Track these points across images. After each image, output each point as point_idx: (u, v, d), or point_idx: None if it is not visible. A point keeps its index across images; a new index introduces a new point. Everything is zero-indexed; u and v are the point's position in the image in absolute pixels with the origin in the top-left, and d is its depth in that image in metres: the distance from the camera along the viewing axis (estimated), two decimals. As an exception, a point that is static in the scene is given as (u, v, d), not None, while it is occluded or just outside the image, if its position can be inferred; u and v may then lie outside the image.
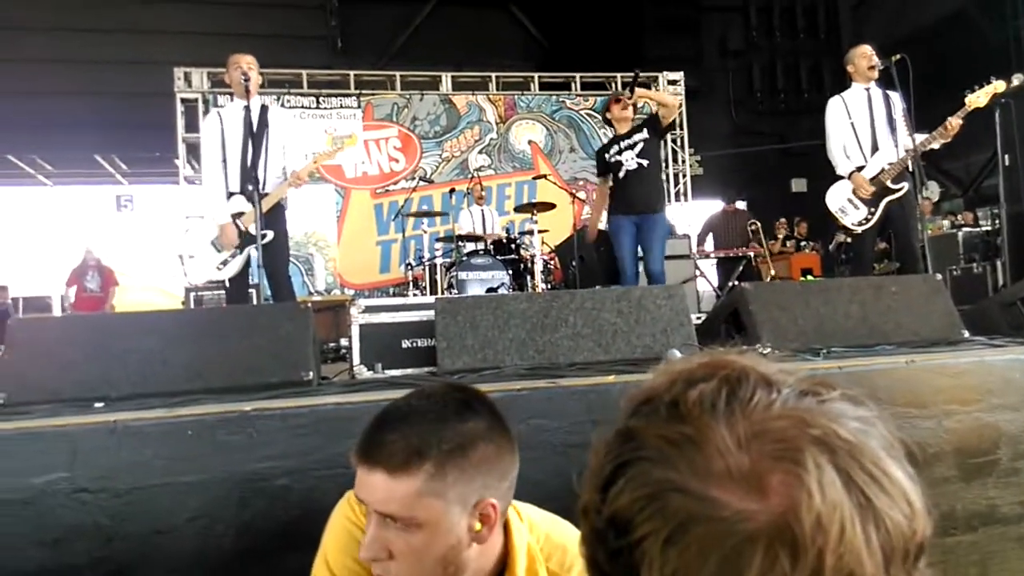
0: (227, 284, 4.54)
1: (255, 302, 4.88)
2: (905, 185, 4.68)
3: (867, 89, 4.85)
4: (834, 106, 4.95)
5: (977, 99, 4.51)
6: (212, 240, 4.49)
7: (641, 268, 5.28)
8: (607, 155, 5.41)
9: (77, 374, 2.31)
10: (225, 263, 4.47)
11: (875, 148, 4.77)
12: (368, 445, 1.13)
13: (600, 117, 10.23)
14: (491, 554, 1.19)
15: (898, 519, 0.48)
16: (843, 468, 0.48)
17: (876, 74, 4.80)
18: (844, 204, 4.83)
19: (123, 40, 11.84)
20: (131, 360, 2.34)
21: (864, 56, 4.84)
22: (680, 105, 10.69)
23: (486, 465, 1.13)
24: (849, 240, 7.55)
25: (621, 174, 5.27)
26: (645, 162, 5.23)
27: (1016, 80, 4.71)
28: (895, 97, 4.76)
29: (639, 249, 5.26)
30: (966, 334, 3.08)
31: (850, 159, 4.84)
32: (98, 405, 2.16)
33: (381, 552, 1.10)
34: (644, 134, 5.27)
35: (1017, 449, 2.51)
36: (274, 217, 4.47)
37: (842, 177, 4.87)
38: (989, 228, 7.51)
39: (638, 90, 5.20)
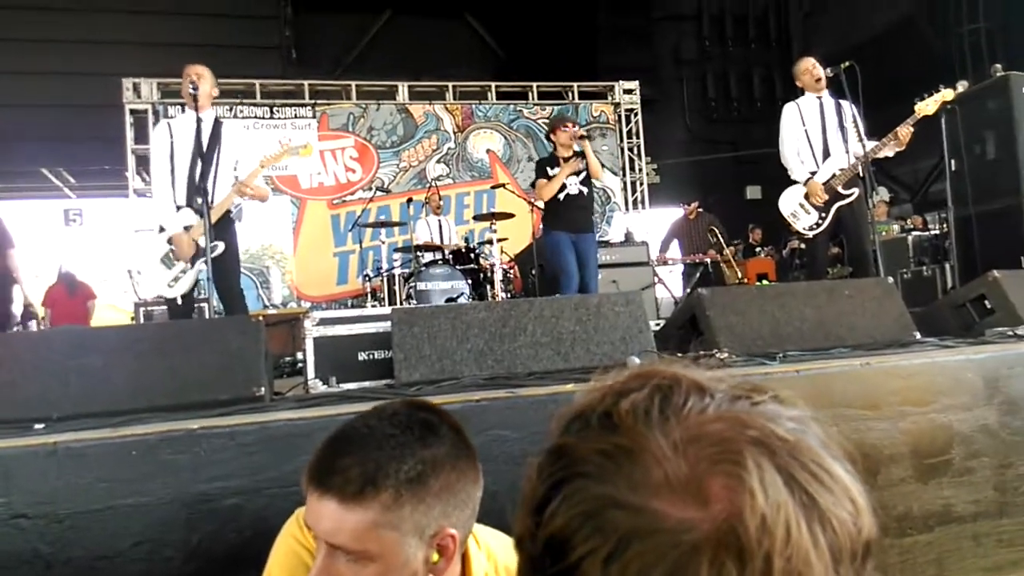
0: (178, 301, 4.35)
1: (207, 316, 4.74)
2: (856, 191, 4.76)
3: (819, 97, 4.93)
4: (789, 112, 5.03)
5: (926, 107, 4.62)
6: (161, 257, 4.32)
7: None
8: (550, 171, 5.58)
9: (14, 394, 2.21)
10: (176, 279, 4.30)
11: (827, 154, 4.86)
12: (320, 470, 1.05)
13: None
14: None
15: (843, 517, 0.47)
16: (784, 467, 0.47)
17: (823, 85, 4.89)
18: (796, 209, 4.90)
19: (69, 50, 11.50)
20: (72, 379, 2.25)
21: (807, 71, 4.95)
22: (637, 115, 10.83)
23: (447, 493, 1.07)
24: (803, 246, 7.67)
25: (562, 196, 5.51)
26: (586, 190, 5.59)
27: (961, 87, 4.83)
28: (846, 105, 4.86)
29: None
30: (918, 335, 3.13)
31: (803, 164, 4.92)
32: (38, 426, 2.07)
33: None
34: (585, 168, 5.55)
35: (970, 448, 2.55)
36: (222, 229, 4.31)
37: (796, 182, 4.94)
38: (938, 232, 7.67)
39: (584, 142, 5.52)
